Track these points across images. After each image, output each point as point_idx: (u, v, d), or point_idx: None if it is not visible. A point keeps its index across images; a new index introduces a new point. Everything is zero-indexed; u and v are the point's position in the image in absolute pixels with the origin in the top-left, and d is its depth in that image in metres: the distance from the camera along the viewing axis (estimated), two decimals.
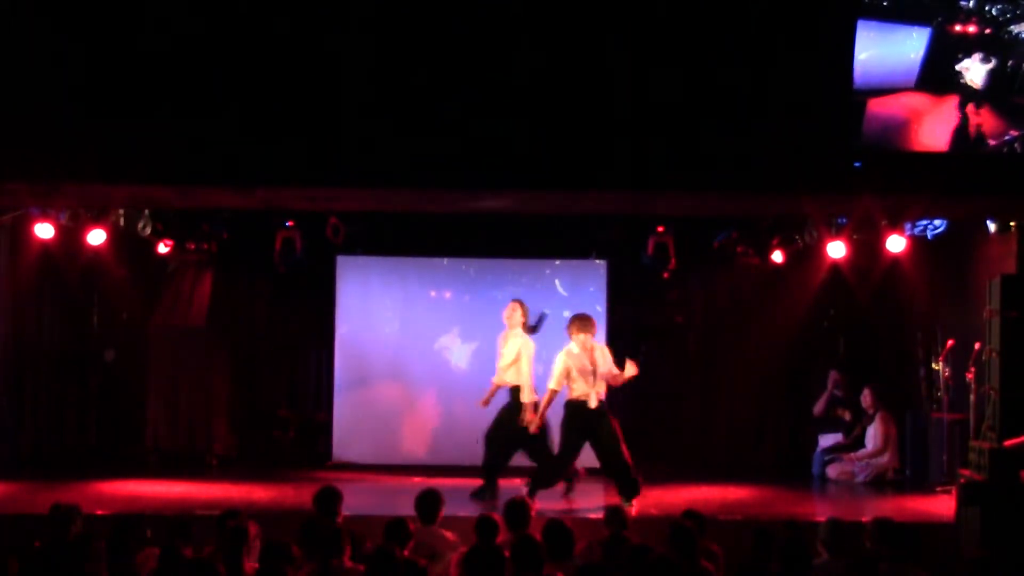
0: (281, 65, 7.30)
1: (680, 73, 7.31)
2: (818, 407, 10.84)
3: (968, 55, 7.24)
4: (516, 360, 9.07)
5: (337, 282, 11.23)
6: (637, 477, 8.46)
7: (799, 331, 11.21)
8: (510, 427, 8.96)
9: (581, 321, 8.73)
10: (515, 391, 9.02)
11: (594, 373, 8.54)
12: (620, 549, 5.43)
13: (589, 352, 8.60)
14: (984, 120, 7.34)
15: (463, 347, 11.19)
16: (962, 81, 7.27)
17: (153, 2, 7.31)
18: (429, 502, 6.29)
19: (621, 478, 8.48)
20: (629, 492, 8.42)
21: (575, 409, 8.56)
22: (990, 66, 7.23)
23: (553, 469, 8.78)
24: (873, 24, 7.21)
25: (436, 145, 7.36)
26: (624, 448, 8.50)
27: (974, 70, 7.27)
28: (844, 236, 9.81)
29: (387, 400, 10.93)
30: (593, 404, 8.52)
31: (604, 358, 8.64)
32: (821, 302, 11.19)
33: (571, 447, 8.66)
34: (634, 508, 8.24)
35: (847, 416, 10.70)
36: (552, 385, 8.62)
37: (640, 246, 10.67)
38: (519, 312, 9.23)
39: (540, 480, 8.61)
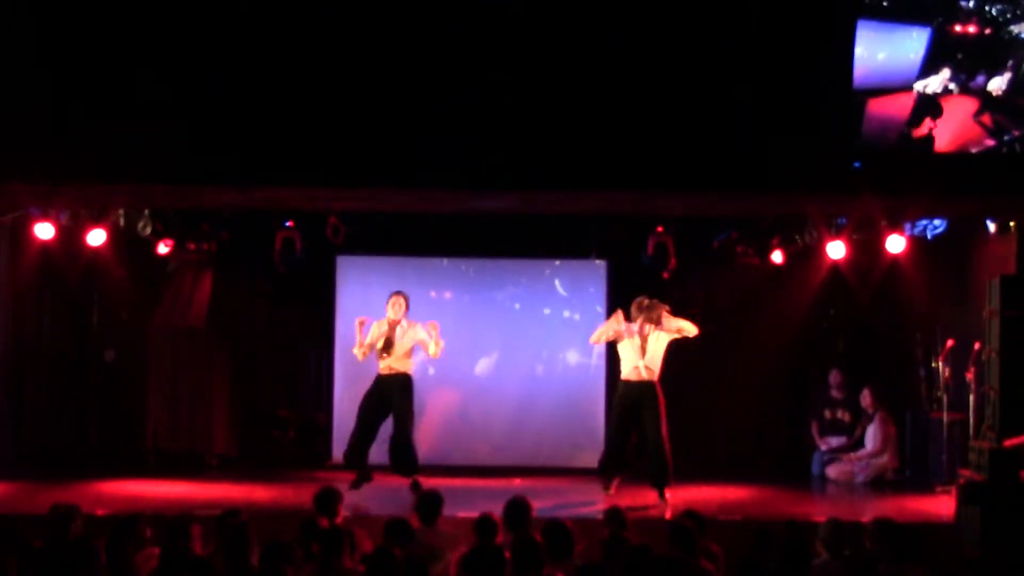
0: (281, 65, 7.30)
1: (680, 73, 7.31)
2: (821, 446, 10.77)
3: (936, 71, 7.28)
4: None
5: (337, 282, 11.23)
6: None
7: (799, 331, 11.20)
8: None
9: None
10: None
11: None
12: (620, 549, 5.42)
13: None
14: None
15: (463, 348, 11.18)
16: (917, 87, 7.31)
17: (153, 2, 7.31)
18: (429, 502, 6.29)
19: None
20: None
21: None
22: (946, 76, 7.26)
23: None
24: (873, 24, 7.21)
25: (436, 145, 7.36)
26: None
27: (932, 83, 7.30)
28: (844, 236, 9.82)
29: None
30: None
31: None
32: (821, 302, 11.18)
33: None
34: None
35: (847, 418, 10.69)
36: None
37: (640, 246, 10.67)
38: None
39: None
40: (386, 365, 9.15)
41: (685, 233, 10.57)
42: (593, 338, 9.22)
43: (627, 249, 10.85)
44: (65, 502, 6.23)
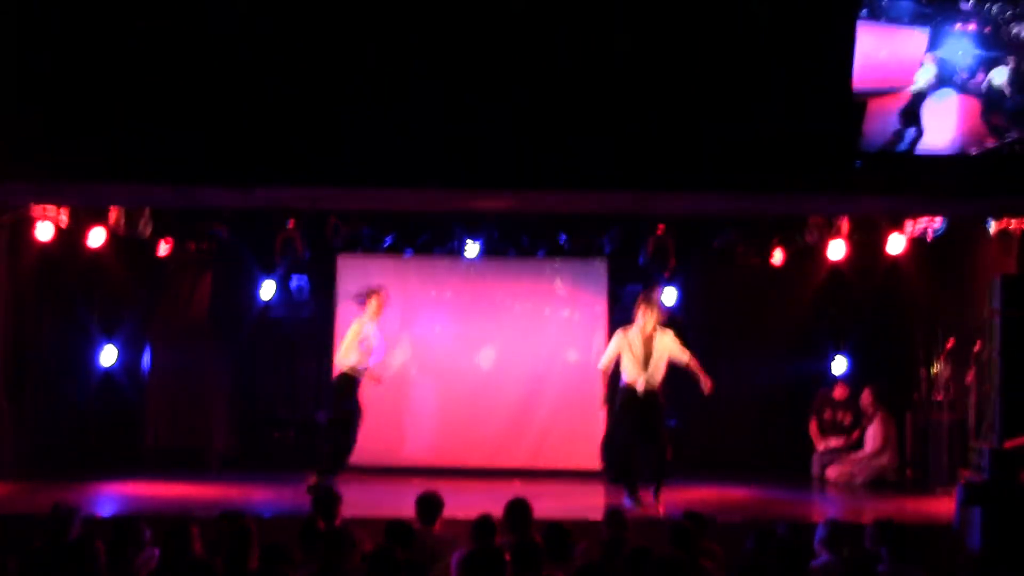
0: (281, 65, 7.30)
1: (681, 73, 7.31)
2: (819, 446, 10.75)
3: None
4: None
5: (337, 282, 11.23)
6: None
7: (799, 331, 11.21)
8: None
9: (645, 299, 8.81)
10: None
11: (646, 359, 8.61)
12: (620, 550, 5.42)
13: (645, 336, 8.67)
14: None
15: (463, 347, 11.18)
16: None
17: (153, 3, 7.31)
18: (429, 504, 6.29)
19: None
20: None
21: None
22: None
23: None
24: (873, 24, 7.20)
25: (437, 145, 7.36)
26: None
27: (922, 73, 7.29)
28: (844, 236, 9.81)
29: (387, 401, 10.92)
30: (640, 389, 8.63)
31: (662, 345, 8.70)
32: (821, 302, 11.19)
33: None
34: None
35: (847, 418, 10.69)
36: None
37: (640, 246, 10.67)
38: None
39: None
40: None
41: (685, 233, 10.57)
42: (602, 364, 8.90)
43: (627, 249, 10.86)
44: (65, 502, 6.23)
